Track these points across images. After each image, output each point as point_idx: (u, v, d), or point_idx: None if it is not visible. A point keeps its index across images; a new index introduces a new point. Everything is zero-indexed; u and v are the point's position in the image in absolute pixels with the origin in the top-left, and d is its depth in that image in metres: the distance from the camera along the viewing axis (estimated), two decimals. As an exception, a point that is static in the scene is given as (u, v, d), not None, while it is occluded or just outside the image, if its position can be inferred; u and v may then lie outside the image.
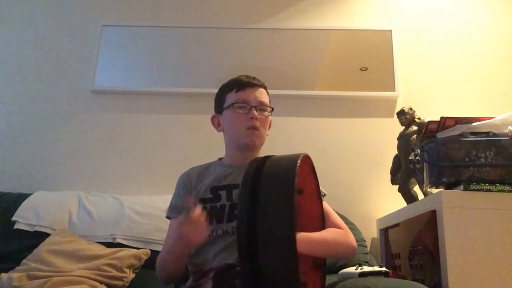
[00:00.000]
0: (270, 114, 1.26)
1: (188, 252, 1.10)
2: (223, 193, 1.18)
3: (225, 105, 1.25)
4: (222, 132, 1.31)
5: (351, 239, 1.15)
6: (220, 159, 1.31)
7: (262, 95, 1.25)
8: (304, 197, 1.11)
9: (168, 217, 1.26)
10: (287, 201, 0.85)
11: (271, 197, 0.88)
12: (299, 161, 0.91)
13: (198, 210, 0.99)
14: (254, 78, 1.27)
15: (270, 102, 1.28)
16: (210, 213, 1.15)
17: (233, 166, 1.24)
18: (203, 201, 1.18)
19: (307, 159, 1.05)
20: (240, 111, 1.21)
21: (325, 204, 1.19)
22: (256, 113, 1.21)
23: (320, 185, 1.16)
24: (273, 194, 0.88)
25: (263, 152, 1.28)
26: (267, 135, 1.27)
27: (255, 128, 1.20)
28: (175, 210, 1.22)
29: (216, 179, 1.21)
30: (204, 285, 1.04)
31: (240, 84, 1.24)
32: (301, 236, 1.00)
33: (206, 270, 1.08)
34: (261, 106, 1.23)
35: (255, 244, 0.84)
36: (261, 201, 0.87)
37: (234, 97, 1.23)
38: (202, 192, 1.20)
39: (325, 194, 1.21)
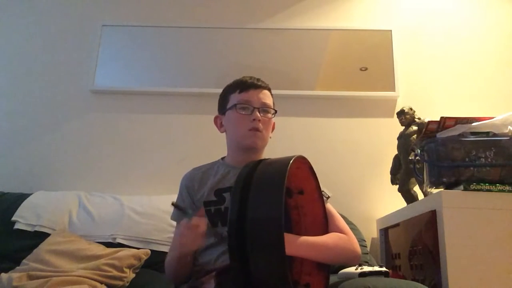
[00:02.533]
0: (273, 116, 1.25)
1: (190, 254, 1.10)
2: (227, 195, 1.17)
3: (228, 105, 1.24)
4: (223, 133, 1.30)
5: (355, 244, 1.14)
6: (222, 158, 1.30)
7: (266, 96, 1.24)
8: (306, 197, 1.11)
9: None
10: (276, 204, 0.82)
11: (260, 200, 0.86)
12: (290, 164, 0.89)
13: (198, 219, 1.00)
14: (258, 79, 1.25)
15: (274, 104, 1.27)
16: (215, 216, 1.16)
17: (236, 166, 1.22)
18: (208, 204, 1.17)
19: (303, 160, 1.03)
20: (243, 112, 1.20)
21: (329, 206, 1.18)
22: (258, 114, 1.19)
23: (321, 185, 1.15)
24: (262, 197, 0.86)
25: (263, 153, 1.28)
26: (270, 137, 1.26)
27: (257, 129, 1.19)
28: (177, 213, 1.23)
29: (220, 181, 1.21)
30: (207, 283, 1.04)
31: (244, 85, 1.23)
32: (299, 239, 0.99)
33: (209, 270, 1.08)
34: (264, 108, 1.22)
35: (245, 248, 0.83)
36: (251, 205, 0.85)
37: (237, 98, 1.22)
38: (206, 195, 1.19)
39: (329, 196, 1.19)
